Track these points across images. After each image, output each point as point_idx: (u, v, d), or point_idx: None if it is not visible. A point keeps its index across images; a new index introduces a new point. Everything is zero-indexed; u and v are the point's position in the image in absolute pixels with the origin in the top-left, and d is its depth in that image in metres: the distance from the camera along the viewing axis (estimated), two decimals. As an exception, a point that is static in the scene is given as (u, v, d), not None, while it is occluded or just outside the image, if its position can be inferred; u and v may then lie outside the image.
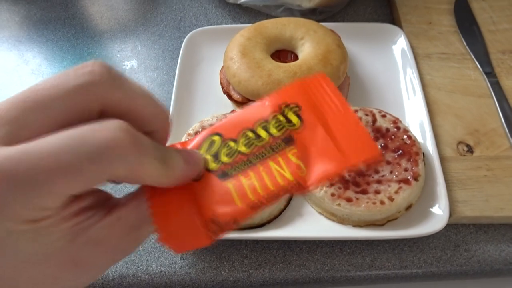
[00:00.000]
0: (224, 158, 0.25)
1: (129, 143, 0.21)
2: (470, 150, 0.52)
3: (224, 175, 0.25)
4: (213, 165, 0.25)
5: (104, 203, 0.24)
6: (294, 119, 0.26)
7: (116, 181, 0.23)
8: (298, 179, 0.24)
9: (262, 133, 0.26)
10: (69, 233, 0.22)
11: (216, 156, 0.25)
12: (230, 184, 0.24)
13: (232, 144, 0.26)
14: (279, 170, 0.25)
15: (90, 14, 0.73)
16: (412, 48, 0.61)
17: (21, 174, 0.19)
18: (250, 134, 0.26)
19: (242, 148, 0.25)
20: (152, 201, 0.24)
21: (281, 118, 0.26)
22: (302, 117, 0.26)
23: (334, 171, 0.24)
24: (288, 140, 0.26)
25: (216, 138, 0.26)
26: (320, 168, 0.25)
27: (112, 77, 0.22)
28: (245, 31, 0.58)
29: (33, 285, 0.23)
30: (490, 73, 0.58)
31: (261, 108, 0.27)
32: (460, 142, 0.53)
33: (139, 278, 0.47)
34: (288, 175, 0.24)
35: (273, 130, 0.26)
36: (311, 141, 0.25)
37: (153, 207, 0.24)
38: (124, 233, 0.23)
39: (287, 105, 0.26)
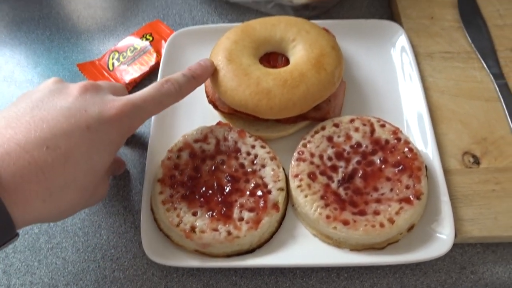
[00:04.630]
0: (122, 59, 0.61)
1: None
2: (477, 161, 0.48)
3: (125, 64, 0.60)
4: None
5: None
6: (149, 38, 0.62)
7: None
8: (158, 52, 0.61)
9: (137, 46, 0.61)
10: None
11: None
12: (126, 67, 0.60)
13: (124, 54, 0.61)
14: (148, 58, 0.60)
15: (66, 13, 0.68)
16: (413, 46, 0.56)
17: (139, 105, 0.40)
18: (134, 47, 0.62)
19: (129, 54, 0.61)
20: None
21: (143, 39, 0.62)
22: (153, 37, 0.62)
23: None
24: (148, 47, 0.61)
25: (116, 53, 0.62)
26: None
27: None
28: (231, 33, 0.53)
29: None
30: (498, 74, 0.54)
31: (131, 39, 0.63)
32: (465, 153, 0.49)
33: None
34: (154, 57, 0.60)
35: (138, 46, 0.62)
36: (160, 44, 0.62)
37: None
38: None
39: (144, 35, 0.63)
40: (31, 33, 0.66)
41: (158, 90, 0.42)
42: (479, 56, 0.56)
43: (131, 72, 0.59)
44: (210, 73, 0.49)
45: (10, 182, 0.32)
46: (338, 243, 0.44)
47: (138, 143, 0.54)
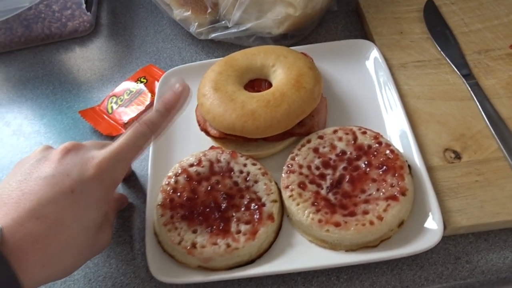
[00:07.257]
0: (119, 102, 0.65)
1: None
2: (458, 156, 0.51)
3: (123, 106, 0.65)
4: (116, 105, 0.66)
5: None
6: (143, 80, 0.67)
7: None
8: (152, 92, 0.65)
9: (133, 89, 0.66)
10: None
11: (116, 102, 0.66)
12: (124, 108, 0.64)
13: (121, 97, 0.66)
14: (144, 98, 0.64)
15: (67, 68, 0.74)
16: (386, 60, 0.60)
17: (116, 157, 0.42)
18: (129, 90, 0.66)
19: (126, 97, 0.65)
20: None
21: (138, 82, 0.67)
22: (147, 79, 0.67)
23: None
24: (142, 89, 0.66)
25: (114, 98, 0.66)
26: None
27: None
28: (215, 66, 0.58)
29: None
30: (468, 75, 0.57)
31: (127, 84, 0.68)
32: (446, 149, 0.51)
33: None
34: (149, 96, 0.64)
35: (133, 89, 0.66)
36: (153, 84, 0.66)
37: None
38: None
39: (138, 79, 0.67)
40: (36, 90, 0.72)
41: (134, 135, 0.44)
42: (449, 61, 0.60)
43: (128, 113, 0.63)
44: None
45: (13, 254, 0.36)
46: (333, 246, 0.46)
47: (140, 175, 0.58)
